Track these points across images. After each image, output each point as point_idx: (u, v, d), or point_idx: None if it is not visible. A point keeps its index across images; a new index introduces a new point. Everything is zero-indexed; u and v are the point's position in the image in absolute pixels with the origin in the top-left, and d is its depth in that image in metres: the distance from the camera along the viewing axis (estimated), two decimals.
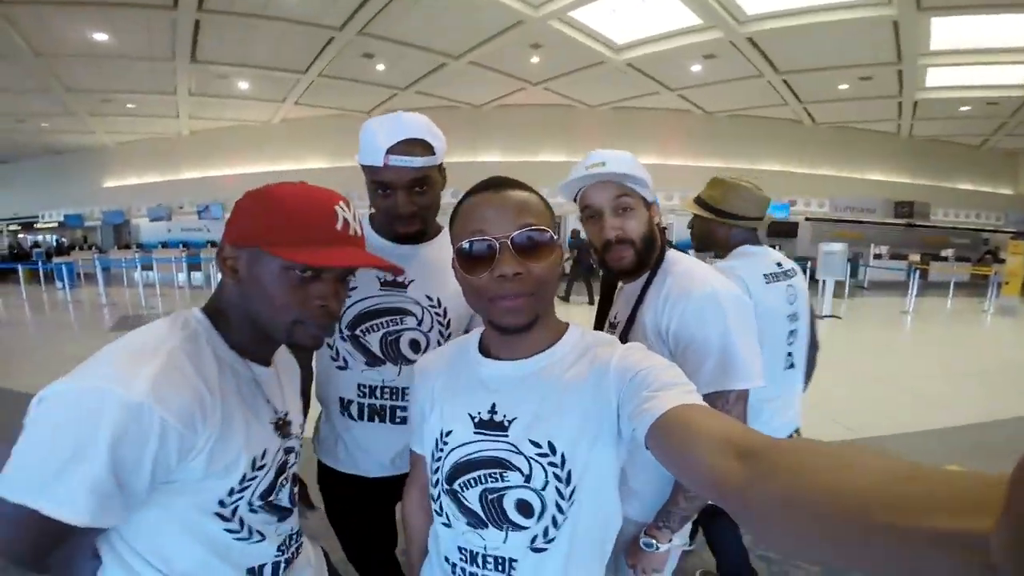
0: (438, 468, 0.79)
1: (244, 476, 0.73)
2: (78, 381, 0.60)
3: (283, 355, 0.90)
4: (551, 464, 0.73)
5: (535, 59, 10.19)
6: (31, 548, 0.61)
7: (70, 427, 0.57)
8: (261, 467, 0.76)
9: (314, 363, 1.26)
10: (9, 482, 0.56)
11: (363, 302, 1.15)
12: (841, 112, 13.00)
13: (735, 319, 1.02)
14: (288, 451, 0.84)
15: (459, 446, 0.77)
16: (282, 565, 0.84)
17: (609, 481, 0.77)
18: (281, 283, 0.71)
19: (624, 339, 1.10)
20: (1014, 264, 9.24)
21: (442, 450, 0.79)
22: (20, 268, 10.97)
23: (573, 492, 0.73)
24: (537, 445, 0.73)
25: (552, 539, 0.74)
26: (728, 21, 8.33)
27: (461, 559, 0.79)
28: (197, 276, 11.85)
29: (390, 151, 1.03)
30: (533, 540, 0.74)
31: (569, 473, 0.72)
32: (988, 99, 11.36)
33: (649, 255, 1.12)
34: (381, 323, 1.15)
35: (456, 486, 0.77)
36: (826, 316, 8.16)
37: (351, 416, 1.20)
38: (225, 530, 0.74)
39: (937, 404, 4.21)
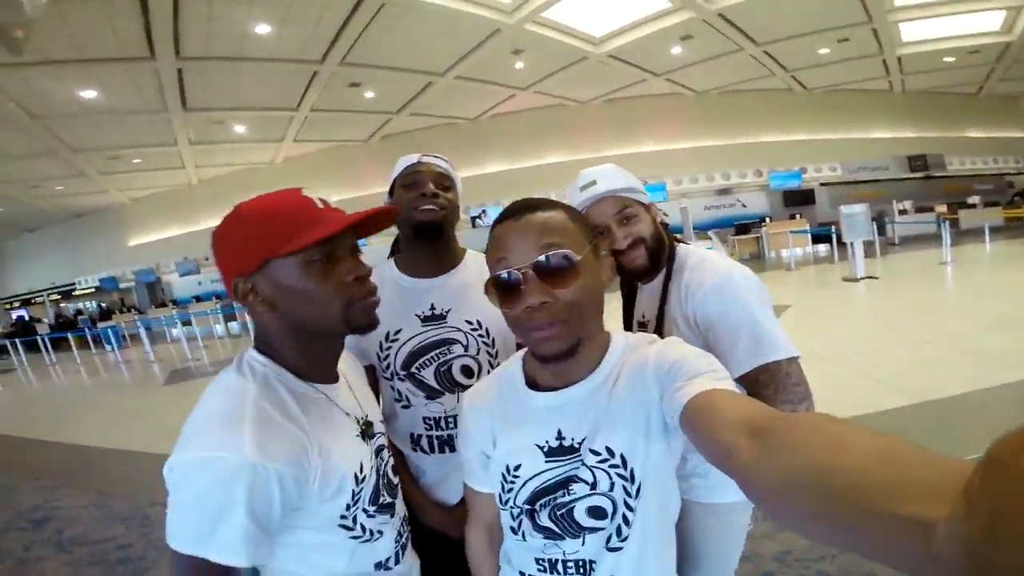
0: (510, 499, 0.79)
1: (353, 492, 0.77)
2: (195, 451, 0.65)
3: (346, 359, 0.92)
4: (613, 467, 0.73)
5: (519, 64, 10.35)
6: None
7: (208, 493, 0.63)
8: (363, 479, 0.79)
9: (381, 405, 1.28)
10: (178, 538, 0.64)
11: (410, 341, 1.19)
12: (829, 76, 12.97)
13: (753, 297, 1.04)
14: (379, 451, 0.87)
15: (533, 476, 0.77)
16: (400, 553, 0.88)
17: (669, 472, 0.77)
18: (311, 277, 0.72)
19: (659, 335, 1.11)
20: None
21: (513, 482, 0.79)
22: (71, 336, 11.72)
23: (639, 489, 0.73)
24: (597, 453, 0.73)
25: (625, 537, 0.74)
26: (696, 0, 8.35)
27: (539, 569, 0.79)
28: (234, 325, 12.10)
29: (423, 156, 1.24)
30: (608, 540, 0.75)
31: (632, 472, 0.73)
32: (969, 48, 11.24)
33: (660, 252, 1.16)
34: (432, 357, 1.19)
35: (536, 507, 0.78)
36: (861, 278, 7.92)
37: (424, 451, 1.22)
38: (351, 538, 0.78)
39: (996, 358, 3.86)
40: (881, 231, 11.16)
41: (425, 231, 1.19)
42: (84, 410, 6.31)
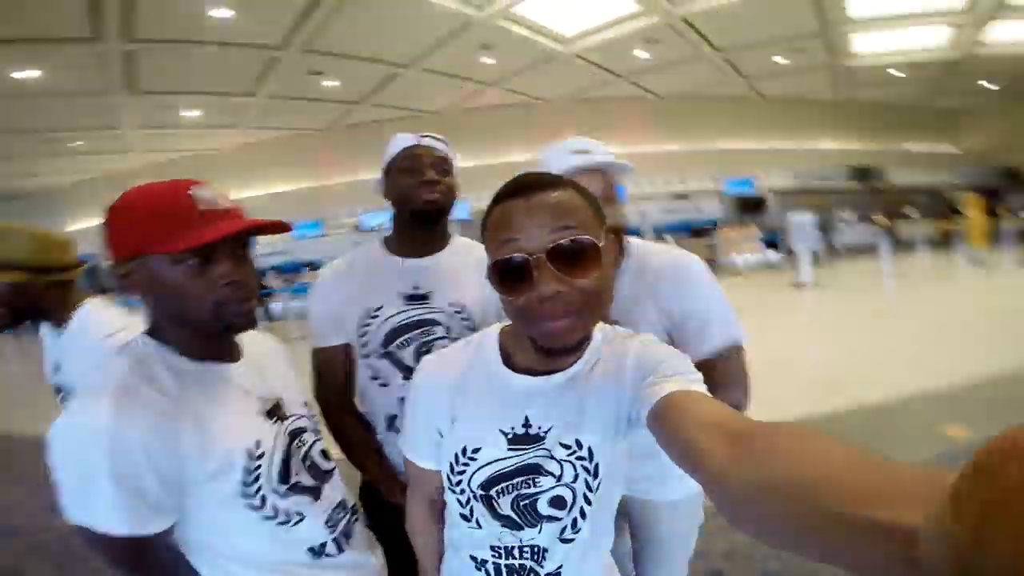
0: (461, 480, 0.76)
1: (246, 469, 0.75)
2: (61, 419, 0.67)
3: (262, 342, 0.91)
4: (579, 459, 0.73)
5: (488, 60, 10.24)
6: (112, 552, 0.70)
7: (70, 462, 0.65)
8: (260, 456, 0.77)
9: (358, 383, 1.27)
10: (67, 507, 0.66)
11: (392, 319, 1.17)
12: (784, 85, 13.38)
13: (715, 281, 1.11)
14: (294, 434, 0.85)
15: (491, 462, 0.74)
16: (342, 541, 0.86)
17: (622, 467, 0.78)
18: (182, 277, 0.71)
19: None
20: (975, 217, 9.79)
21: (467, 464, 0.75)
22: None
23: (600, 484, 0.73)
24: (567, 447, 0.72)
25: (579, 530, 0.74)
26: (662, 3, 8.52)
27: (493, 555, 0.76)
28: None
29: (421, 137, 1.21)
30: (563, 531, 0.74)
31: (597, 466, 0.72)
32: (916, 62, 11.83)
33: (621, 245, 1.17)
34: (412, 337, 1.17)
35: (492, 493, 0.74)
36: (807, 284, 8.33)
37: (398, 432, 1.17)
38: (264, 518, 0.77)
39: (934, 365, 4.15)
40: (826, 239, 11.73)
41: (424, 218, 1.18)
42: (14, 398, 6.02)
